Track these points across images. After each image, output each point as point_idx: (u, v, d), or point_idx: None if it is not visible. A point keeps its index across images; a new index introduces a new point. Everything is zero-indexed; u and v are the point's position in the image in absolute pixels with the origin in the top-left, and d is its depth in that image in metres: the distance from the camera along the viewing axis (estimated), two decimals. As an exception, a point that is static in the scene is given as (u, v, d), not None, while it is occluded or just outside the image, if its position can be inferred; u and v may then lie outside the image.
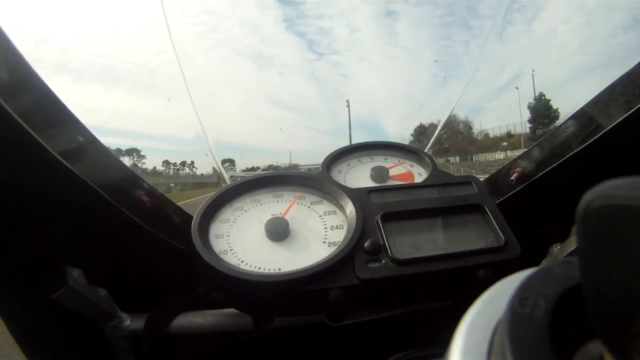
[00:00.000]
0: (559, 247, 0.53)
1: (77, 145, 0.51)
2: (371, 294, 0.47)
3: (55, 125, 0.48)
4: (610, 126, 0.51)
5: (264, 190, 0.57)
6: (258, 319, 0.52)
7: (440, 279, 0.47)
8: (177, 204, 0.64)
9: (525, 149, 0.69)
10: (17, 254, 0.49)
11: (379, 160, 0.66)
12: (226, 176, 1.27)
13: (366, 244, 0.47)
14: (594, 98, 0.57)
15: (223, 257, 0.48)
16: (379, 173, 0.61)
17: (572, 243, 0.50)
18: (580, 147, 0.55)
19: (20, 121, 0.41)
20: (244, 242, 0.50)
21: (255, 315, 0.51)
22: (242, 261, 0.48)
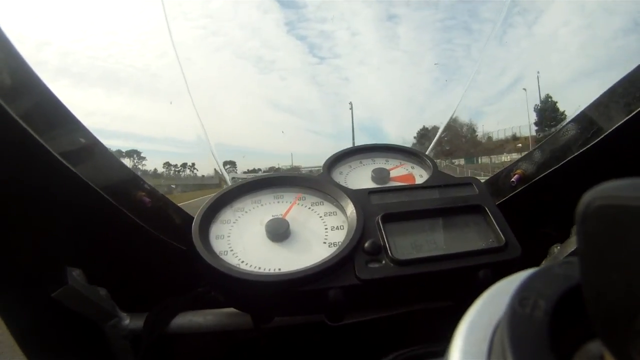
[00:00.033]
0: (559, 247, 0.54)
1: (79, 146, 0.51)
2: (371, 294, 0.47)
3: (57, 127, 0.48)
4: (611, 129, 0.51)
5: (265, 191, 0.57)
6: (257, 318, 0.52)
7: (441, 280, 0.47)
8: (180, 204, 0.64)
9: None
10: (17, 253, 0.49)
11: (380, 163, 0.66)
12: (227, 178, 1.27)
13: (366, 245, 0.47)
14: (594, 101, 0.57)
15: (223, 257, 0.48)
16: (380, 175, 0.61)
17: (572, 243, 0.51)
18: (581, 150, 0.55)
19: (22, 123, 0.41)
20: (244, 243, 0.50)
21: (255, 314, 0.51)
22: (242, 261, 0.48)
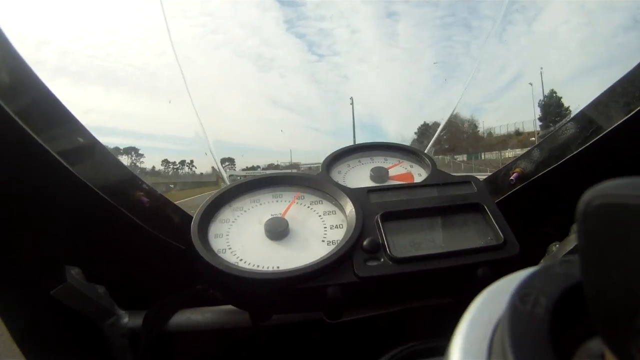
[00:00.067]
0: (557, 245, 0.54)
1: (77, 146, 0.51)
2: (370, 292, 0.47)
3: (55, 127, 0.48)
4: (610, 128, 0.51)
5: (264, 190, 0.57)
6: (256, 316, 0.52)
7: (439, 277, 0.47)
8: (176, 202, 0.64)
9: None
10: (16, 253, 0.49)
11: (379, 161, 0.66)
12: (225, 175, 1.27)
13: (365, 243, 0.47)
14: (594, 100, 0.57)
15: (222, 255, 0.48)
16: (379, 173, 0.61)
17: (570, 242, 0.51)
18: (580, 149, 0.55)
19: (21, 122, 0.41)
20: (243, 241, 0.50)
21: (253, 312, 0.51)
22: (241, 259, 0.48)
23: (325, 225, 0.53)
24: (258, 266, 0.47)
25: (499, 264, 0.47)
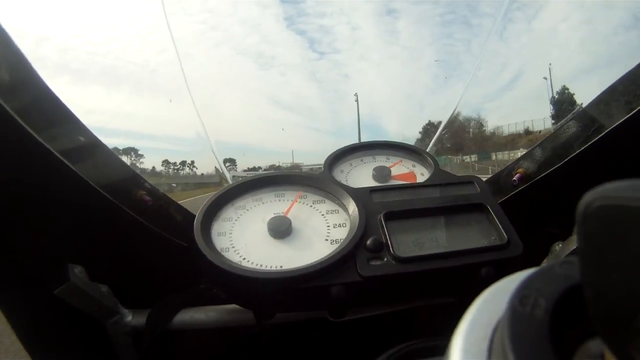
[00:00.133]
0: (560, 245, 0.54)
1: (79, 145, 0.51)
2: (373, 291, 0.48)
3: (56, 125, 0.48)
4: (612, 127, 0.51)
5: (266, 189, 0.57)
6: (259, 314, 0.52)
7: (443, 277, 0.47)
8: (179, 202, 0.64)
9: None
10: (19, 252, 0.49)
11: (381, 160, 0.66)
12: (228, 176, 1.27)
13: (368, 242, 0.48)
14: (595, 99, 0.57)
15: (225, 254, 0.48)
16: (381, 173, 0.61)
17: (573, 242, 0.51)
18: (582, 148, 0.55)
19: (21, 121, 0.41)
20: (246, 240, 0.50)
21: (257, 311, 0.52)
22: (244, 258, 0.48)
23: (328, 224, 0.53)
24: (261, 265, 0.47)
25: (503, 263, 0.47)
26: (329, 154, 0.64)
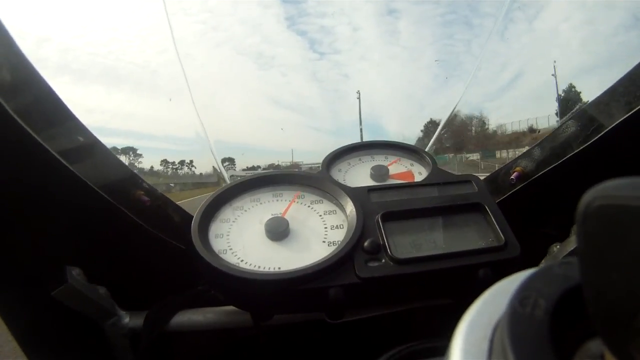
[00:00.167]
0: (558, 246, 0.53)
1: (77, 145, 0.51)
2: (371, 293, 0.48)
3: (55, 125, 0.48)
4: (611, 126, 0.51)
5: (264, 189, 0.57)
6: (257, 316, 0.52)
7: (440, 278, 0.47)
8: (177, 202, 0.64)
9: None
10: (16, 253, 0.49)
11: (380, 160, 0.66)
12: (226, 175, 1.27)
13: (366, 244, 0.47)
14: (595, 98, 0.57)
15: (223, 256, 0.48)
16: (379, 172, 0.61)
17: (571, 243, 0.50)
18: (581, 147, 0.55)
19: (20, 121, 0.41)
20: (244, 242, 0.50)
21: (255, 313, 0.51)
22: (242, 260, 0.48)
23: (325, 225, 0.52)
24: (259, 267, 0.47)
25: (500, 265, 0.47)
26: (329, 152, 0.64)
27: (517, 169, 0.65)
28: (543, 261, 0.55)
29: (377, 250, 0.47)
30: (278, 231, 0.50)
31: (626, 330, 0.14)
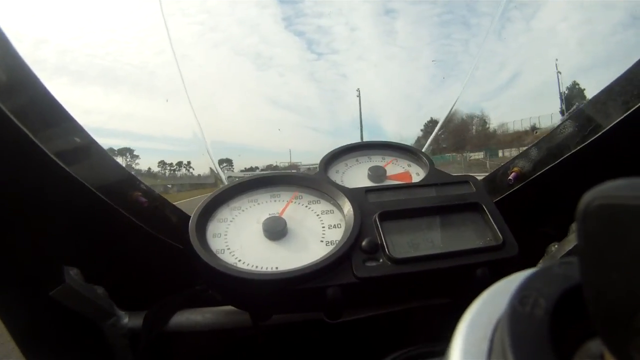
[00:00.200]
0: (556, 246, 0.54)
1: (74, 146, 0.50)
2: (369, 292, 0.48)
3: (52, 126, 0.48)
4: (609, 126, 0.51)
5: (261, 190, 0.57)
6: (256, 316, 0.52)
7: (438, 278, 0.47)
8: (174, 203, 0.64)
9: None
10: (14, 253, 0.49)
11: (377, 160, 0.66)
12: (223, 177, 1.27)
13: (364, 243, 0.47)
14: (592, 98, 0.57)
15: (220, 256, 0.48)
16: (377, 173, 0.61)
17: (569, 242, 0.51)
18: (579, 147, 0.55)
19: (17, 122, 0.41)
20: (242, 241, 0.50)
21: (253, 312, 0.51)
22: (240, 260, 0.48)
23: (323, 225, 0.52)
24: (257, 267, 0.47)
25: (498, 264, 0.47)
26: (326, 153, 0.64)
27: (515, 169, 0.65)
28: (541, 261, 0.55)
29: (375, 249, 0.47)
30: (276, 230, 0.50)
31: (626, 330, 0.14)
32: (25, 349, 0.51)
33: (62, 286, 0.47)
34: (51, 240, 0.51)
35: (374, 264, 0.47)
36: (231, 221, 0.52)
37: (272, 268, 0.47)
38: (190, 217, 0.51)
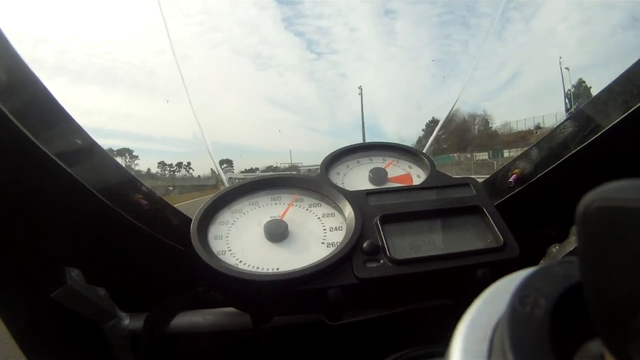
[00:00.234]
0: (557, 247, 0.54)
1: (75, 147, 0.50)
2: (370, 293, 0.48)
3: (53, 127, 0.48)
4: (609, 126, 0.51)
5: (262, 192, 0.57)
6: (257, 318, 0.52)
7: (439, 279, 0.47)
8: (175, 205, 0.64)
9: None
10: (15, 254, 0.49)
11: (378, 162, 0.66)
12: (224, 178, 1.27)
13: (365, 245, 0.48)
14: (592, 98, 0.57)
15: (221, 257, 0.48)
16: (377, 175, 0.61)
17: (570, 244, 0.51)
18: (578, 148, 0.55)
19: (17, 123, 0.41)
20: (243, 243, 0.50)
21: (254, 314, 0.51)
22: (241, 261, 0.48)
23: (324, 228, 0.53)
24: (258, 268, 0.47)
25: (499, 265, 0.47)
26: (327, 154, 0.64)
27: (515, 171, 0.65)
28: (542, 262, 0.55)
29: (376, 251, 0.47)
30: (277, 233, 0.50)
31: (626, 330, 0.15)
32: (26, 349, 0.51)
33: (64, 287, 0.47)
34: (52, 242, 0.51)
35: (374, 265, 0.47)
36: (232, 224, 0.52)
37: (273, 269, 0.47)
38: (191, 219, 0.51)
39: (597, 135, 0.53)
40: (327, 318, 0.49)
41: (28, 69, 0.46)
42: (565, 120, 0.60)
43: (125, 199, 0.54)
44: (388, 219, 0.51)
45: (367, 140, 0.70)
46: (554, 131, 0.61)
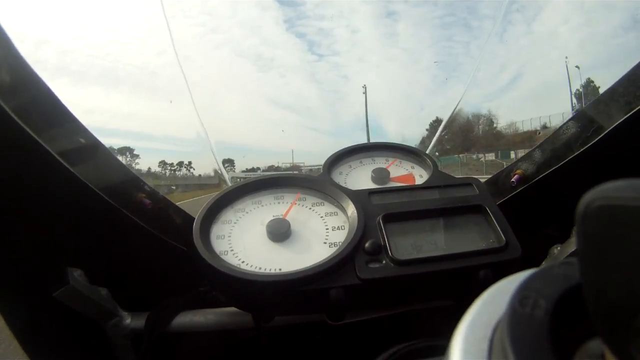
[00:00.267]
0: (559, 248, 0.53)
1: (78, 146, 0.51)
2: (372, 294, 0.47)
3: (56, 127, 0.48)
4: (611, 127, 0.51)
5: (265, 191, 0.57)
6: (258, 317, 0.52)
7: (441, 279, 0.47)
8: (177, 204, 0.64)
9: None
10: (18, 253, 0.49)
11: (380, 162, 0.66)
12: (227, 177, 1.27)
13: (367, 245, 0.47)
14: (594, 99, 0.57)
15: (224, 257, 0.48)
16: (380, 175, 0.61)
17: (572, 244, 0.50)
18: (581, 149, 0.55)
19: (21, 122, 0.41)
20: (245, 243, 0.50)
21: (256, 314, 0.51)
22: (243, 261, 0.48)
23: (327, 227, 0.53)
24: (260, 268, 0.47)
25: (501, 266, 0.47)
26: (329, 154, 0.64)
27: (518, 171, 0.65)
28: (544, 262, 0.55)
29: (378, 251, 0.47)
30: (280, 232, 0.50)
31: (626, 330, 0.14)
32: (28, 348, 0.51)
33: (66, 287, 0.47)
34: (55, 241, 0.51)
35: (376, 265, 0.47)
36: (235, 223, 0.52)
37: (275, 269, 0.47)
38: (194, 218, 0.51)
39: (599, 136, 0.53)
40: (329, 318, 0.49)
41: (30, 69, 0.46)
42: (568, 121, 0.60)
43: (128, 198, 0.54)
44: (390, 218, 0.51)
45: (370, 140, 0.70)
46: (557, 132, 0.61)
